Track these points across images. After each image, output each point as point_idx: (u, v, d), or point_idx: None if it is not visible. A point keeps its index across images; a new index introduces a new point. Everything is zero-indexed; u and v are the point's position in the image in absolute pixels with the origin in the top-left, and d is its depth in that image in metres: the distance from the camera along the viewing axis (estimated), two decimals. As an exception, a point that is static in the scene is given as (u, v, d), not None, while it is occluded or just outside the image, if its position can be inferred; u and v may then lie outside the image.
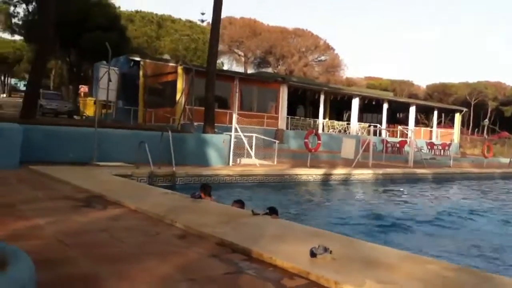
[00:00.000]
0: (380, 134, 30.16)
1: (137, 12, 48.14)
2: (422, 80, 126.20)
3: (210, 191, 8.28)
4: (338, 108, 35.31)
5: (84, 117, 27.86)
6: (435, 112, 36.06)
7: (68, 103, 27.73)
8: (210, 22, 18.20)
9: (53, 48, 27.86)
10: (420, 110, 38.39)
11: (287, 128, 26.66)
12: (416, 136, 28.41)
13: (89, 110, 29.85)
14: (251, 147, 15.78)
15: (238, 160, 15.20)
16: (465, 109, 39.31)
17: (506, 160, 27.32)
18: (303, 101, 33.12)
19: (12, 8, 36.33)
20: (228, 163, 14.36)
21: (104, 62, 21.66)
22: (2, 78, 64.20)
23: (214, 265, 3.68)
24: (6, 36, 46.41)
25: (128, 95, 26.12)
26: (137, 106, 26.22)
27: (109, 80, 15.03)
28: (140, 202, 6.09)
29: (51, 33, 17.59)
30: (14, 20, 37.82)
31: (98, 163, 11.16)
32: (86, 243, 4.17)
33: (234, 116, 15.80)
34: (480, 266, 5.98)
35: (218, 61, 44.73)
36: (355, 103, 30.90)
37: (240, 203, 6.92)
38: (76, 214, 5.35)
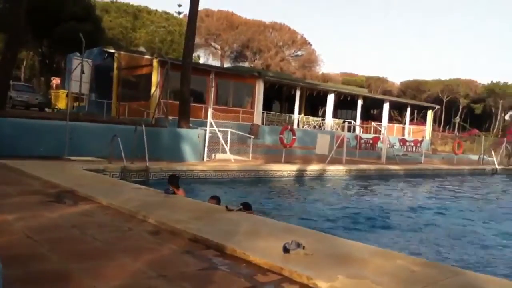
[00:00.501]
0: (354, 130, 30.50)
1: (112, 2, 47.30)
2: (397, 76, 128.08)
3: (178, 181, 8.25)
4: (314, 104, 35.52)
5: (55, 110, 27.26)
6: (408, 109, 36.66)
7: (39, 95, 27.05)
8: (187, 14, 18.02)
9: (24, 38, 27.14)
10: (394, 106, 38.94)
11: (262, 124, 26.69)
12: (389, 133, 28.87)
13: (61, 102, 29.21)
14: (226, 142, 15.76)
15: (213, 155, 15.17)
16: (437, 106, 40.09)
17: (475, 157, 28.02)
18: (279, 96, 33.19)
19: (-20, -4, 35.23)
20: (203, 159, 14.32)
21: (78, 53, 21.24)
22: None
23: (187, 261, 3.68)
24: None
25: (101, 87, 25.67)
26: (111, 99, 25.80)
27: (82, 72, 14.79)
28: (112, 198, 6.02)
29: (22, 22, 17.13)
30: (-17, 9, 36.65)
31: (70, 157, 10.97)
32: (56, 239, 4.10)
33: (210, 111, 15.75)
34: (447, 261, 6.15)
35: (194, 54, 44.35)
36: (330, 99, 31.14)
37: (216, 199, 6.92)
38: (46, 210, 5.26)
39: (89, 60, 17.56)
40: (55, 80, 40.43)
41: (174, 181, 8.53)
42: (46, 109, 25.71)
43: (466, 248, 7.59)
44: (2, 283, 1.99)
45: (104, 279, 3.15)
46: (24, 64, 47.14)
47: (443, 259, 6.43)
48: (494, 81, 62.72)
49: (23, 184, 7.14)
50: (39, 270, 3.28)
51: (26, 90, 26.02)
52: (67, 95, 22.92)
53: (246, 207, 6.55)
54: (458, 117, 53.43)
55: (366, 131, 32.75)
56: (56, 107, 28.43)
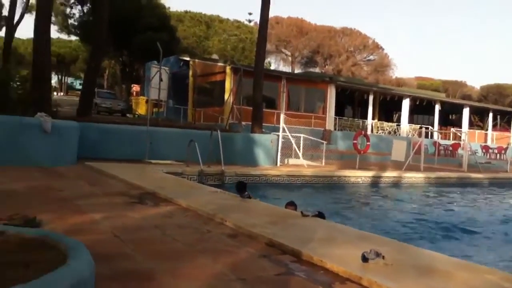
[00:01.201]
0: (432, 136, 29.27)
1: (186, 12, 49.08)
2: (476, 80, 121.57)
3: (245, 187, 8.38)
4: (388, 109, 34.55)
5: (136, 115, 28.68)
6: (490, 114, 34.63)
7: (121, 101, 28.65)
8: (258, 22, 18.26)
9: (107, 48, 28.84)
10: (474, 112, 36.95)
11: (334, 129, 26.37)
12: (470, 139, 27.36)
13: (141, 108, 30.69)
14: (298, 148, 15.71)
15: (286, 160, 15.18)
16: (523, 111, 37.49)
17: None
18: (351, 101, 32.65)
19: (68, 10, 37.89)
20: (276, 163, 14.37)
21: (155, 62, 22.22)
22: (60, 77, 67.12)
23: (264, 266, 3.69)
24: (63, 36, 48.47)
25: (178, 94, 26.68)
26: (187, 105, 26.71)
27: (160, 79, 15.41)
28: (191, 200, 6.20)
29: (105, 33, 18.23)
30: (70, 21, 39.41)
31: (150, 160, 11.47)
32: (140, 239, 4.28)
33: (282, 116, 15.80)
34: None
35: (266, 60, 44.80)
36: (406, 104, 30.15)
37: (293, 205, 6.87)
38: (130, 210, 5.52)
39: (167, 68, 18.30)
40: (135, 87, 42.58)
41: (241, 188, 8.66)
42: (128, 115, 27.12)
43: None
44: (94, 279, 2.11)
45: (186, 279, 3.24)
46: (107, 73, 50.13)
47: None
48: None
49: (108, 185, 7.55)
50: (125, 268, 3.43)
51: (109, 97, 27.66)
52: (146, 102, 24.03)
53: (320, 216, 6.49)
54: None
55: (445, 137, 31.29)
56: (137, 113, 29.90)
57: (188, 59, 27.88)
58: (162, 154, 12.00)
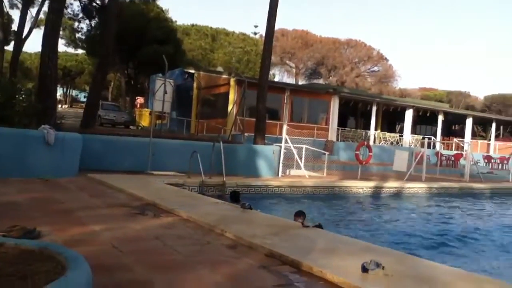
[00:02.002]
0: (434, 146, 29.20)
1: (192, 25, 49.52)
2: (480, 91, 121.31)
3: (239, 197, 8.52)
4: (391, 120, 34.57)
5: (139, 127, 28.80)
6: (493, 124, 34.55)
7: (125, 113, 28.78)
8: (263, 34, 18.37)
9: (112, 61, 29.10)
10: (477, 122, 36.88)
11: (337, 140, 26.39)
12: (473, 149, 27.28)
13: (145, 120, 30.84)
14: (300, 159, 15.72)
15: (288, 171, 15.18)
16: (526, 122, 37.40)
17: None
18: (355, 112, 32.70)
19: (76, 24, 38.32)
20: (278, 174, 14.37)
21: (160, 74, 22.39)
22: (65, 89, 67.59)
23: (264, 276, 3.70)
24: (70, 50, 48.90)
25: (182, 106, 26.82)
26: (190, 117, 26.83)
27: (165, 92, 15.54)
28: (191, 211, 6.21)
29: (111, 47, 18.41)
30: (78, 35, 39.80)
31: (152, 172, 11.50)
32: (140, 250, 4.30)
33: (284, 127, 15.83)
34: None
35: (270, 72, 45.00)
36: (409, 115, 30.16)
37: (302, 216, 6.63)
38: (131, 222, 5.53)
39: (171, 81, 18.45)
40: (139, 100, 42.83)
41: (235, 197, 8.74)
42: (131, 127, 27.23)
43: None
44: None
45: (185, 290, 3.25)
46: (112, 85, 50.45)
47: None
48: None
49: (110, 197, 7.57)
50: (123, 279, 3.44)
51: (113, 109, 27.81)
52: (150, 114, 24.15)
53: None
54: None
55: (448, 147, 31.23)
56: (140, 124, 30.03)
57: (193, 71, 28.07)
58: (164, 165, 12.02)
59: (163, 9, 40.43)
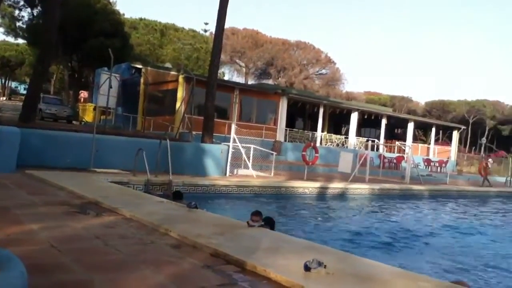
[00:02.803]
0: (377, 149, 30.23)
1: (141, 19, 48.47)
2: (421, 96, 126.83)
3: (182, 197, 8.53)
4: (337, 122, 35.41)
5: (83, 122, 27.85)
6: (433, 129, 36.18)
7: (67, 108, 27.68)
8: (213, 32, 18.28)
9: (55, 52, 27.94)
10: (418, 126, 38.48)
11: (285, 140, 26.70)
12: (414, 152, 28.46)
13: (89, 116, 29.86)
14: (248, 158, 15.78)
15: (235, 170, 15.20)
16: (463, 127, 39.46)
17: (502, 179, 27.35)
18: (302, 113, 33.21)
19: (17, 12, 36.50)
20: (225, 174, 14.36)
21: (106, 68, 21.74)
22: (3, 81, 64.27)
23: (208, 276, 3.67)
24: (9, 39, 46.52)
25: (128, 102, 26.17)
26: (137, 113, 26.25)
27: (110, 86, 15.10)
28: (135, 210, 6.08)
29: (54, 37, 17.65)
30: (18, 24, 37.96)
31: (96, 169, 11.16)
32: (79, 249, 4.16)
33: (233, 127, 15.84)
34: (473, 283, 5.99)
35: (219, 71, 44.86)
36: (354, 118, 31.00)
37: (258, 215, 6.49)
38: (71, 220, 5.34)
39: (117, 75, 17.93)
40: (83, 94, 41.42)
41: (178, 197, 8.68)
42: (74, 122, 26.27)
43: (491, 271, 7.38)
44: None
45: (126, 290, 3.17)
46: (54, 78, 48.46)
47: (468, 281, 6.25)
48: (523, 102, 61.46)
49: (49, 194, 7.28)
50: (61, 280, 3.32)
51: (55, 103, 26.66)
52: (94, 109, 23.41)
53: (268, 222, 6.51)
54: (484, 138, 52.34)
55: (390, 150, 32.39)
56: (84, 120, 29.05)
57: (140, 66, 27.48)
58: (108, 162, 11.68)
59: (111, 1, 39.31)
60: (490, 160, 25.94)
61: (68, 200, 6.84)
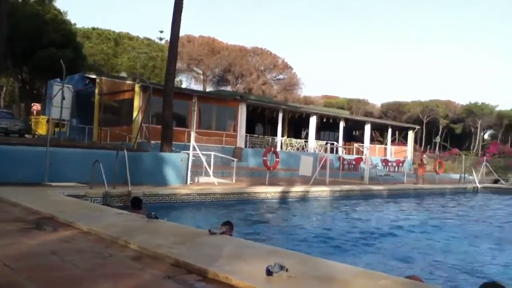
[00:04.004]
0: (337, 151, 30.74)
1: (93, 29, 47.47)
2: (377, 98, 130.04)
3: (141, 204, 8.57)
4: (297, 126, 35.78)
5: (36, 136, 26.89)
6: (389, 130, 37.13)
7: (19, 121, 26.65)
8: (169, 40, 18.11)
9: (5, 65, 26.94)
10: (375, 128, 39.44)
11: (245, 146, 26.73)
12: (371, 153, 29.11)
13: (42, 128, 28.86)
14: (209, 166, 15.69)
15: (196, 179, 15.06)
16: (417, 127, 40.75)
17: (456, 176, 28.38)
18: (262, 119, 33.38)
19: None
20: (186, 182, 14.22)
21: (58, 79, 21.14)
22: None
23: (169, 287, 3.62)
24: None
25: (82, 113, 25.47)
26: (92, 125, 25.62)
27: (63, 98, 14.72)
28: (93, 224, 5.93)
29: (2, 49, 17.03)
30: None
31: (50, 183, 10.80)
32: (34, 266, 4.01)
33: (192, 134, 15.72)
34: (432, 281, 6.17)
35: (177, 79, 44.54)
36: (313, 121, 31.41)
37: (229, 224, 6.55)
38: (25, 237, 5.15)
39: (70, 86, 17.51)
40: (36, 106, 40.01)
41: (136, 204, 8.53)
42: (26, 135, 25.34)
43: (450, 268, 7.61)
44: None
45: (83, 306, 3.08)
46: (4, 90, 46.69)
47: (427, 279, 6.43)
48: (472, 102, 64.19)
49: (2, 211, 6.99)
50: (15, 299, 3.19)
51: (5, 116, 25.60)
52: (47, 121, 22.68)
53: (228, 225, 6.50)
54: (438, 137, 54.27)
55: (349, 152, 32.99)
56: (37, 133, 28.05)
57: (94, 76, 26.84)
58: (63, 176, 11.34)
59: (61, 11, 38.31)
60: (425, 156, 26.83)
61: (22, 216, 6.60)
